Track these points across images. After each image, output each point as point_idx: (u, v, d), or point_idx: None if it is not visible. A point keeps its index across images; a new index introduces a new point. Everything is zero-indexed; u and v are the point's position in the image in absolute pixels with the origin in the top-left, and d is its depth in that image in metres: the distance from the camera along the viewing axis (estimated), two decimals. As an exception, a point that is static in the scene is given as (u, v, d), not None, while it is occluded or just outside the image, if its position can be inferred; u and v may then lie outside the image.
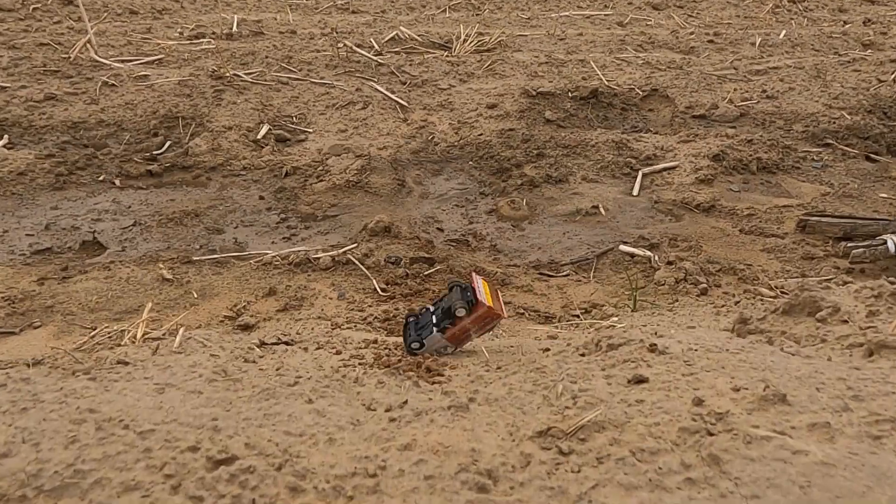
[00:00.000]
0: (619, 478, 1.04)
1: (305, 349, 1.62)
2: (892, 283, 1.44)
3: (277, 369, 1.38)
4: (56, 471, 1.08)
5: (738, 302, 2.10)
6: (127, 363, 1.39)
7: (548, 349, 1.50)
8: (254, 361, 1.45)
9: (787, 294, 1.49)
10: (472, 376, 1.19)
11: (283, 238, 2.84)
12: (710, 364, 1.10)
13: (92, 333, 1.94)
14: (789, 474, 1.03)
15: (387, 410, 1.20)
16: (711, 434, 1.09)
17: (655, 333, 1.23)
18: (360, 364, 1.46)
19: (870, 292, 1.36)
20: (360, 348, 1.62)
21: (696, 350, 1.13)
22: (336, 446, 1.09)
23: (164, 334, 1.77)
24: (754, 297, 2.25)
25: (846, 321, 1.27)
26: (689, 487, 1.04)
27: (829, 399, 1.13)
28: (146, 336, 1.80)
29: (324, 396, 1.20)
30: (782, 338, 1.27)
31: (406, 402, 1.16)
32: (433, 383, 1.18)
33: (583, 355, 1.20)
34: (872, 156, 3.59)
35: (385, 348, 1.63)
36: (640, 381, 1.05)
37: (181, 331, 1.67)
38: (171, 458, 1.09)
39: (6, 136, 3.44)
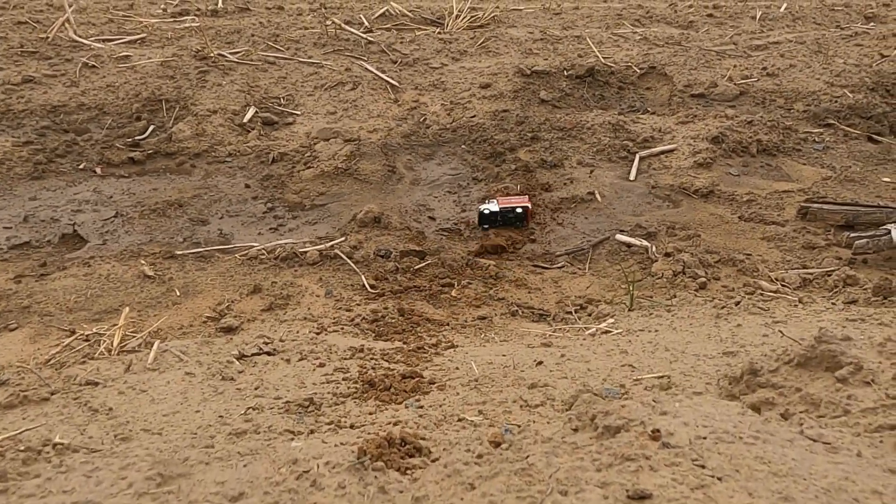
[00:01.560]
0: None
1: (288, 360, 1.54)
2: None
3: (256, 388, 1.31)
4: None
5: (739, 303, 2.03)
6: (97, 383, 1.32)
7: (541, 362, 1.43)
8: (232, 378, 1.38)
9: (800, 344, 1.30)
10: (450, 471, 1.05)
11: (270, 229, 2.76)
12: (723, 465, 0.95)
13: (67, 341, 1.86)
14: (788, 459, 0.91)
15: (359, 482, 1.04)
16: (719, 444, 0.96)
17: (660, 411, 1.08)
18: (343, 380, 1.39)
19: (894, 346, 1.26)
20: (346, 359, 1.55)
21: (705, 439, 1.00)
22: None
23: (140, 344, 1.69)
24: (754, 293, 2.18)
25: (869, 382, 1.17)
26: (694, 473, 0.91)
27: None
28: (123, 344, 1.72)
29: (313, 446, 1.05)
30: (800, 407, 1.16)
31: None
32: (404, 474, 1.09)
33: (575, 430, 1.09)
34: (875, 136, 3.50)
35: (371, 359, 1.56)
36: (643, 497, 0.93)
37: (156, 344, 1.59)
38: None
39: (-17, 122, 3.33)
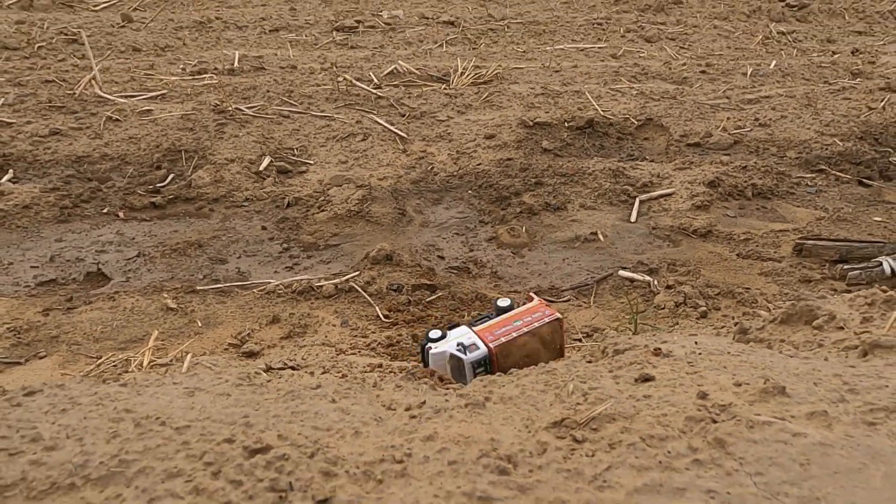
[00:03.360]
0: (630, 461, 1.12)
1: (311, 373, 1.64)
2: (884, 290, 1.49)
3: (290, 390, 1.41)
4: (101, 461, 1.16)
5: (738, 323, 2.13)
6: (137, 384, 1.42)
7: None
8: (262, 385, 1.47)
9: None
10: (485, 381, 1.24)
11: (286, 267, 2.86)
12: (713, 364, 1.17)
13: (98, 362, 1.95)
14: (790, 454, 1.12)
15: (406, 409, 1.26)
16: (716, 422, 1.16)
17: (661, 340, 1.29)
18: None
19: (863, 300, 1.42)
20: (366, 371, 1.65)
21: (699, 353, 1.19)
22: (362, 438, 1.18)
23: (170, 360, 1.78)
24: (753, 319, 2.27)
25: (842, 327, 1.33)
26: (696, 468, 1.12)
27: (826, 392, 1.21)
28: (152, 363, 1.81)
29: (346, 397, 1.26)
30: (781, 344, 1.32)
31: (424, 402, 1.21)
32: (447, 388, 1.21)
33: (590, 362, 1.26)
34: (865, 181, 3.64)
35: (390, 371, 1.65)
36: (647, 379, 1.11)
37: (188, 357, 1.68)
38: (209, 448, 1.16)
39: (11, 171, 3.49)
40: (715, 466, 1.11)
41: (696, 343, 1.31)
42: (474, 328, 1.75)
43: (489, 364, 1.68)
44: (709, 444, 1.14)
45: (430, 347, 1.68)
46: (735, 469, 1.11)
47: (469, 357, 1.64)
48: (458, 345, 1.66)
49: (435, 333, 1.71)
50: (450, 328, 1.77)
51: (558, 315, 1.79)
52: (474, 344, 1.66)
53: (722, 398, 1.21)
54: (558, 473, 1.13)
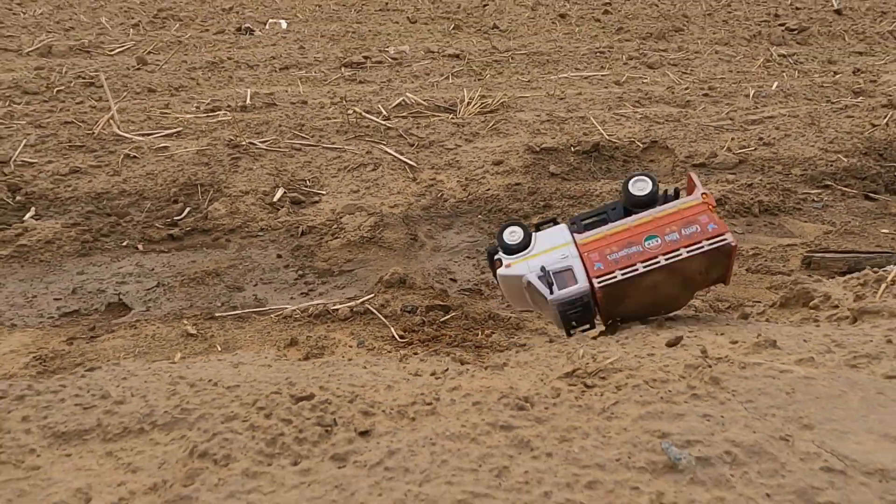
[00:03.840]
0: (635, 398, 1.28)
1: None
2: (875, 271, 1.54)
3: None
4: (165, 411, 1.37)
5: (740, 309, 2.19)
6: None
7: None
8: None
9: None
10: (501, 354, 1.36)
11: (301, 293, 2.92)
12: (714, 332, 1.27)
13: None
14: (777, 385, 1.28)
15: (431, 374, 1.47)
16: (711, 367, 1.33)
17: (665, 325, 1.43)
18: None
19: (856, 281, 1.51)
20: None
21: (700, 328, 1.29)
22: (395, 391, 1.42)
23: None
24: (754, 306, 2.31)
25: (836, 306, 1.42)
26: (693, 400, 1.28)
27: (815, 346, 1.42)
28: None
29: (376, 365, 1.37)
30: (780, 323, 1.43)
31: (447, 369, 1.31)
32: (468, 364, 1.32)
33: (594, 338, 1.36)
34: (871, 195, 3.68)
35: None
36: (650, 345, 1.22)
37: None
38: (260, 397, 1.38)
39: (33, 209, 3.59)
40: (710, 398, 1.27)
41: (697, 319, 1.44)
42: (578, 238, 1.22)
43: (589, 307, 1.24)
44: (705, 383, 1.29)
45: (501, 261, 1.26)
46: (728, 399, 1.25)
47: (557, 296, 1.20)
48: (542, 270, 1.19)
49: (514, 234, 1.20)
50: (540, 225, 1.26)
51: (728, 237, 1.22)
52: (570, 271, 1.17)
53: (719, 353, 1.38)
54: (571, 409, 1.29)
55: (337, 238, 3.29)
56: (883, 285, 1.51)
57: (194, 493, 1.17)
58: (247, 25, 7.98)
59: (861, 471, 1.10)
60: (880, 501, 1.06)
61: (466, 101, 4.97)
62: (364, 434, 1.24)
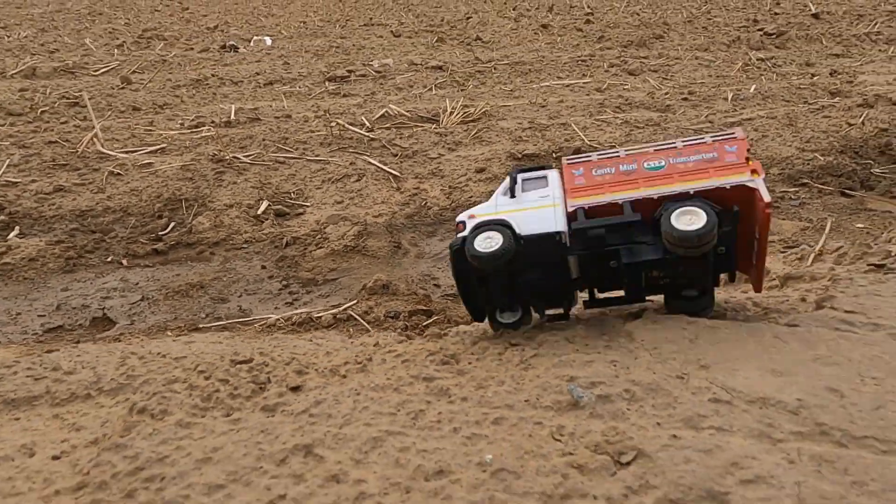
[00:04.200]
0: (553, 352, 1.48)
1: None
2: (811, 246, 1.67)
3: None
4: (112, 378, 1.55)
5: None
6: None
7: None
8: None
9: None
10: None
11: (286, 303, 2.94)
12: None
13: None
14: (682, 334, 1.45)
15: (374, 344, 1.61)
16: (625, 323, 1.57)
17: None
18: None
19: (795, 256, 1.65)
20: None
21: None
22: (332, 356, 1.47)
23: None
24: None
25: (772, 277, 1.59)
26: (604, 349, 1.46)
27: (733, 305, 1.57)
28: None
29: (322, 339, 1.41)
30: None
31: (389, 340, 1.36)
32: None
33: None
34: (847, 191, 3.73)
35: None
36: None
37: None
38: (201, 363, 1.53)
39: (17, 227, 3.60)
40: (620, 347, 1.44)
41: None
42: (564, 176, 0.97)
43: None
44: (619, 336, 1.47)
45: (464, 224, 1.08)
46: (636, 347, 1.42)
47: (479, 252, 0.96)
48: (475, 228, 0.98)
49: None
50: (521, 171, 1.04)
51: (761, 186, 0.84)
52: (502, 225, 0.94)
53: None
54: (492, 362, 1.47)
55: (321, 248, 3.31)
56: (812, 255, 1.70)
57: (129, 442, 1.32)
58: (231, 43, 8.02)
59: (744, 400, 1.25)
60: (758, 424, 1.20)
61: (449, 110, 5.02)
62: (295, 389, 1.40)
